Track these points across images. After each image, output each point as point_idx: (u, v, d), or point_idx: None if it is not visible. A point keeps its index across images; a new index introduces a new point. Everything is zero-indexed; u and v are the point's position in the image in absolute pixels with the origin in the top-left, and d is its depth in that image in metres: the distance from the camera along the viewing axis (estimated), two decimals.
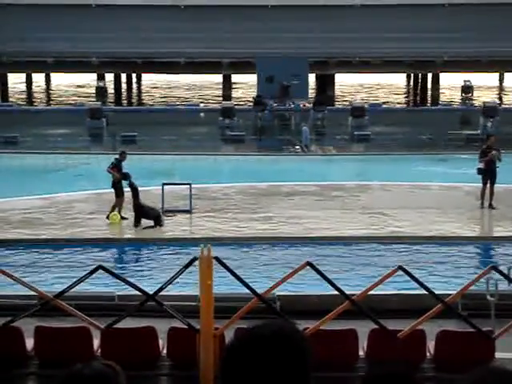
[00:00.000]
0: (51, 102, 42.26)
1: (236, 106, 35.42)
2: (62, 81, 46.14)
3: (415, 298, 11.58)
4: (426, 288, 9.64)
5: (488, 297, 11.42)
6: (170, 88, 46.59)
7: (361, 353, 9.73)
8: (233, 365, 1.98)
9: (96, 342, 9.66)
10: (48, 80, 45.98)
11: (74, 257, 16.51)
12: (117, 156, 19.25)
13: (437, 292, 9.85)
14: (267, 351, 1.95)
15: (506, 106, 38.90)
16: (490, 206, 19.38)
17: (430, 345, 9.68)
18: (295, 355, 1.97)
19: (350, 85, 45.86)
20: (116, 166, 18.67)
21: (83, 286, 10.23)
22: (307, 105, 35.34)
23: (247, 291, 9.55)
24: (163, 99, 42.59)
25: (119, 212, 18.52)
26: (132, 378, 2.33)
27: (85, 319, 9.58)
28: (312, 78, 40.27)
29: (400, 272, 9.78)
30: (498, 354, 9.41)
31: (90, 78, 43.09)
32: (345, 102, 39.43)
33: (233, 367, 1.98)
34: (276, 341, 1.96)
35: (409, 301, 12.04)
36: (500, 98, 42.79)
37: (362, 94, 44.22)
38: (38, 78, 45.08)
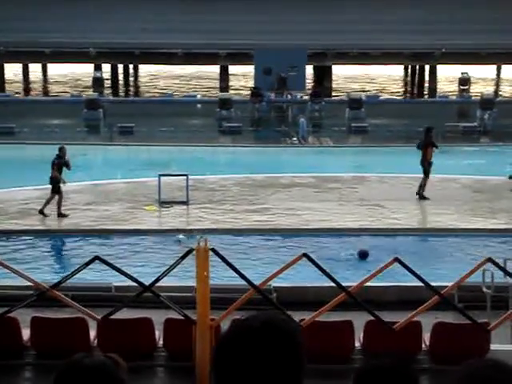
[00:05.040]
0: (48, 93, 42.18)
1: (233, 98, 35.38)
2: (59, 71, 46.04)
3: (411, 290, 11.61)
4: (422, 280, 9.66)
5: (484, 289, 11.46)
6: (167, 79, 46.53)
7: (357, 344, 9.75)
8: (223, 357, 1.98)
9: (92, 333, 9.67)
10: (45, 70, 45.88)
11: (71, 247, 16.51)
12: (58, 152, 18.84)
13: (433, 284, 9.86)
14: (257, 342, 1.95)
15: (503, 99, 38.91)
16: None
17: (426, 336, 9.70)
18: (285, 346, 1.97)
19: (347, 76, 45.82)
20: (56, 164, 18.38)
21: (80, 276, 10.23)
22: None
23: (244, 282, 9.56)
24: (160, 90, 42.54)
25: (59, 207, 18.13)
26: (128, 368, 2.33)
27: (81, 310, 9.59)
28: (309, 70, 40.22)
29: (396, 264, 9.79)
30: (493, 346, 9.44)
31: (87, 69, 43.00)
32: (342, 94, 39.41)
33: (223, 359, 1.98)
34: (266, 332, 1.96)
35: (405, 293, 12.07)
36: (497, 91, 42.79)
37: (359, 85, 44.19)
38: (35, 69, 44.97)
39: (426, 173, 19.62)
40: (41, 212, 18.03)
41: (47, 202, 18.16)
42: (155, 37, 37.54)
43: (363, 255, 15.22)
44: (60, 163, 18.37)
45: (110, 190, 20.92)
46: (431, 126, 20.51)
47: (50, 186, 18.40)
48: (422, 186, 19.66)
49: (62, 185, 18.28)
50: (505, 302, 11.00)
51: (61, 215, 18.03)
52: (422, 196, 19.62)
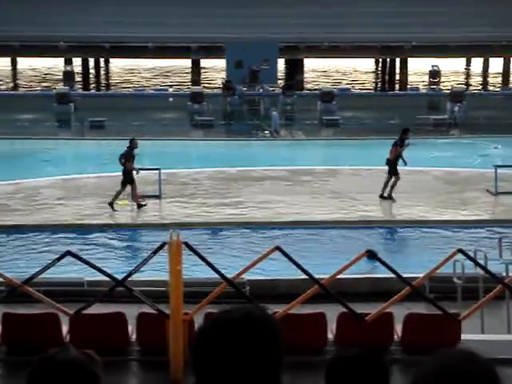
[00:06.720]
0: (18, 87, 41.75)
1: (205, 91, 35.31)
2: (29, 65, 45.59)
3: (383, 282, 11.69)
4: (393, 271, 9.73)
5: (455, 279, 11.57)
6: (138, 73, 46.29)
7: (330, 336, 9.80)
8: (202, 350, 1.98)
9: (65, 328, 9.62)
10: (14, 64, 45.41)
11: (42, 242, 16.40)
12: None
13: (404, 275, 9.94)
14: (236, 335, 1.96)
15: (473, 91, 39.26)
16: None
17: (398, 327, 9.78)
18: (265, 338, 1.98)
19: (319, 70, 45.92)
20: (131, 156, 18.45)
21: (52, 271, 10.16)
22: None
23: (217, 276, 9.56)
24: (132, 84, 42.31)
25: (135, 198, 18.38)
26: (102, 363, 2.33)
27: (53, 305, 9.53)
28: (281, 63, 40.25)
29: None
30: (463, 336, 9.54)
31: (57, 63, 42.64)
32: (314, 87, 39.50)
33: (202, 352, 1.98)
34: (245, 324, 1.97)
35: (377, 284, 12.16)
36: (467, 83, 43.16)
37: (330, 79, 44.31)
38: (4, 63, 44.49)
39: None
40: (110, 204, 18.19)
41: (117, 195, 18.31)
42: (125, 30, 37.31)
43: (373, 255, 14.41)
44: (133, 155, 18.40)
45: (81, 184, 20.80)
46: (407, 128, 20.20)
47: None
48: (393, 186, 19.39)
49: (135, 175, 18.40)
50: (475, 292, 11.11)
51: (140, 206, 18.25)
52: (390, 196, 19.42)
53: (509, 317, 10.89)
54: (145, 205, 18.33)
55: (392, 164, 19.27)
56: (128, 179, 18.33)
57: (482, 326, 10.85)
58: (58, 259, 9.57)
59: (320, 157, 25.77)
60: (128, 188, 18.41)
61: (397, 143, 19.38)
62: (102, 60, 44.19)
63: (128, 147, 18.60)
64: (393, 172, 19.23)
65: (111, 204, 18.20)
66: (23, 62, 45.23)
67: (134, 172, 18.38)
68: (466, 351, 1.95)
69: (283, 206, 18.50)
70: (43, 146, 26.54)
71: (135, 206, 18.39)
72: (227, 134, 31.40)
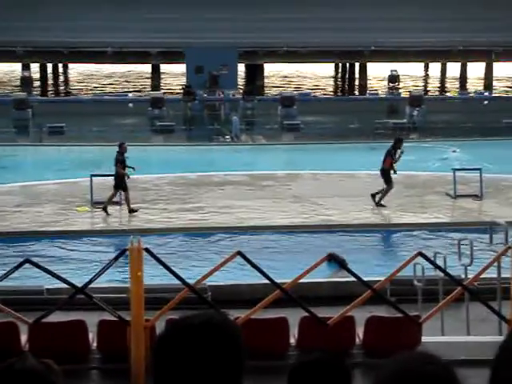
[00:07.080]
0: None
1: (165, 96, 35.20)
2: None
3: (345, 285, 11.74)
4: (354, 275, 9.79)
5: (415, 282, 11.68)
6: (97, 78, 45.96)
7: (292, 340, 9.82)
8: (163, 356, 1.97)
9: (24, 337, 9.49)
10: None
11: (0, 251, 16.16)
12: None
13: (366, 278, 10.00)
14: (197, 341, 1.95)
15: (431, 96, 39.73)
16: None
17: (360, 331, 9.83)
18: (226, 344, 1.97)
19: (279, 74, 46.08)
20: (120, 161, 18.29)
21: (11, 280, 10.02)
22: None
23: (178, 282, 9.52)
24: (91, 89, 42.00)
25: (128, 203, 18.19)
26: (62, 372, 2.29)
27: (12, 314, 9.40)
28: (241, 68, 40.32)
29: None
30: (424, 338, 9.62)
31: (14, 68, 42.14)
32: (274, 92, 39.61)
33: (163, 358, 1.97)
34: (205, 330, 1.97)
35: (339, 288, 12.20)
36: (425, 88, 43.67)
37: (291, 83, 44.48)
38: None
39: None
40: (104, 209, 18.04)
41: (110, 199, 18.15)
42: (84, 35, 37.04)
43: (334, 259, 13.34)
44: (122, 159, 18.31)
45: (40, 191, 20.56)
46: (401, 138, 20.25)
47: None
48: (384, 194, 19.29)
49: (126, 179, 18.30)
50: (435, 294, 11.22)
51: (132, 211, 18.06)
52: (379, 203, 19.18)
53: (468, 318, 11.02)
54: (136, 211, 18.20)
55: (386, 173, 19.23)
56: (119, 184, 18.20)
57: (442, 328, 10.96)
58: (17, 267, 9.45)
59: (281, 161, 25.84)
60: (124, 192, 18.36)
61: (391, 153, 19.35)
62: (60, 65, 43.79)
63: (117, 152, 18.52)
64: (386, 181, 19.18)
65: (105, 208, 18.12)
66: None
67: (126, 177, 18.34)
68: (426, 354, 1.96)
69: (244, 211, 18.49)
70: (0, 153, 26.18)
71: (128, 211, 18.26)
72: (188, 139, 31.33)
